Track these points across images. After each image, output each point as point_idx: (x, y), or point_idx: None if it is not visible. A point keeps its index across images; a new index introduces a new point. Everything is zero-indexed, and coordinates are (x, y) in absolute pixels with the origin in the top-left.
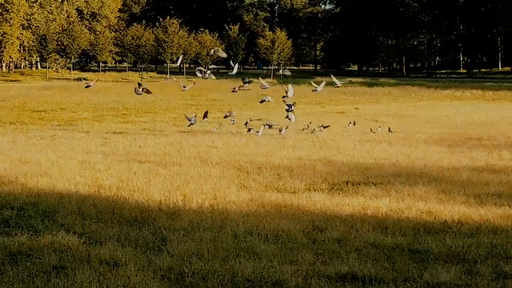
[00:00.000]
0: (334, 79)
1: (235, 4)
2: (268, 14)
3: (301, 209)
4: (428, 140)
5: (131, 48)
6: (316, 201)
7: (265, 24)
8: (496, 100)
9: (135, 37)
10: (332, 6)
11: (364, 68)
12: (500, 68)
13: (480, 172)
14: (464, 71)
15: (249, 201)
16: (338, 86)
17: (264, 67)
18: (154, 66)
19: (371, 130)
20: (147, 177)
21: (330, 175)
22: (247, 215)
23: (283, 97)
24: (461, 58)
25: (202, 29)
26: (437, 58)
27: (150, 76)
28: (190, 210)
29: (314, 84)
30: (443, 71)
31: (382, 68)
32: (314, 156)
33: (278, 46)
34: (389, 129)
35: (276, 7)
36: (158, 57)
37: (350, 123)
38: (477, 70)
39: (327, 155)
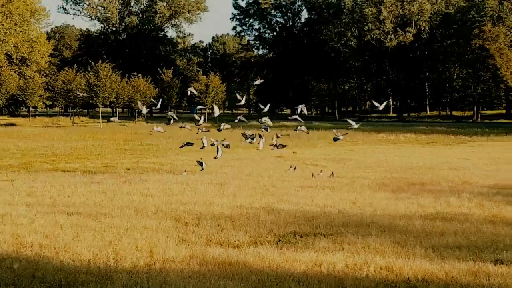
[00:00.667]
0: (349, 121)
1: (168, 48)
2: (201, 59)
3: (248, 266)
4: (372, 185)
5: (62, 93)
6: (264, 256)
7: (199, 69)
8: (430, 143)
9: (66, 81)
10: (265, 51)
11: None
12: (428, 112)
13: (432, 220)
14: (394, 115)
15: (189, 259)
16: (354, 128)
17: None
18: (86, 110)
19: (312, 175)
20: (75, 232)
21: (275, 225)
22: (189, 277)
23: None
24: (391, 103)
25: (135, 73)
26: (368, 102)
27: (82, 121)
28: (124, 271)
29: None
30: (374, 115)
31: (315, 112)
32: (256, 204)
33: (212, 90)
34: (332, 173)
35: (209, 52)
36: (90, 101)
37: (290, 167)
38: (406, 114)
39: (270, 203)
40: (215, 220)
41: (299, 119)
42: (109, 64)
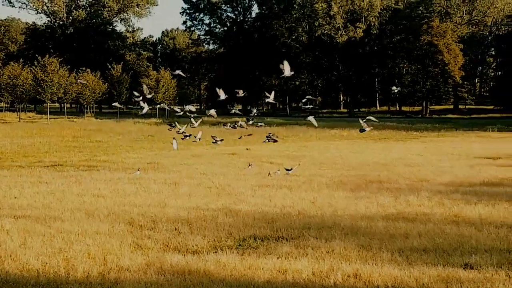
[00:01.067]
0: (361, 122)
1: (117, 43)
2: (151, 54)
3: (209, 275)
4: (330, 183)
5: (8, 88)
6: (225, 264)
7: (149, 64)
8: (382, 139)
9: (11, 76)
10: (216, 46)
11: (248, 108)
12: (378, 108)
13: (394, 221)
14: (345, 110)
15: (146, 267)
16: (365, 131)
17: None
18: (33, 106)
19: (269, 173)
20: (22, 237)
21: (234, 229)
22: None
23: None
24: (342, 98)
25: (84, 68)
26: (318, 98)
27: (29, 117)
28: (75, 282)
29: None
30: (325, 110)
31: (266, 108)
32: (213, 205)
33: (163, 86)
34: (291, 168)
35: (159, 47)
36: (37, 96)
37: (249, 165)
38: (357, 110)
39: (227, 203)
40: (171, 223)
41: (252, 116)
42: (57, 58)
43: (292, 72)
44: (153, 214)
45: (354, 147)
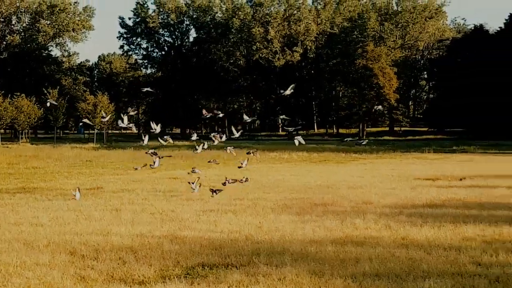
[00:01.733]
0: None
1: (52, 68)
2: (87, 78)
3: None
4: (275, 207)
5: None
6: None
7: (85, 88)
8: (323, 161)
9: None
10: (154, 70)
11: (187, 131)
12: (316, 130)
13: (344, 245)
14: (284, 133)
15: None
16: (364, 144)
17: (85, 132)
18: None
19: (212, 192)
20: None
21: (181, 257)
22: None
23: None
24: (280, 121)
25: (18, 93)
26: (257, 121)
27: None
28: None
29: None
30: (264, 133)
31: (205, 131)
32: (157, 232)
33: (100, 110)
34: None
35: (96, 71)
36: None
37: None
38: (295, 132)
39: (172, 230)
40: (115, 252)
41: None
42: None
43: (292, 90)
44: (96, 243)
45: (296, 170)
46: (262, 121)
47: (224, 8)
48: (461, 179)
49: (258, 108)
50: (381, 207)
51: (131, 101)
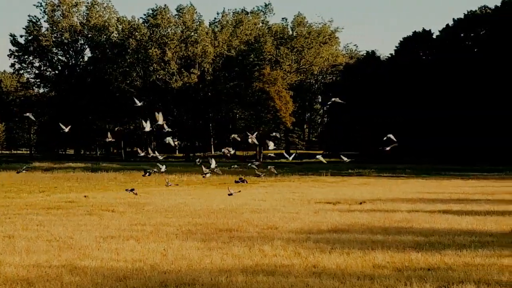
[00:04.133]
0: (321, 158)
1: None
2: None
3: None
4: (179, 233)
5: None
6: None
7: None
8: (222, 184)
9: None
10: (47, 89)
11: (81, 152)
12: (213, 152)
13: (254, 275)
14: (181, 154)
15: None
16: (345, 161)
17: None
18: None
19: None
20: None
21: None
22: None
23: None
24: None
25: None
26: (153, 142)
27: None
28: None
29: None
30: (160, 156)
31: (99, 152)
32: (55, 262)
33: None
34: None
35: None
36: None
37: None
38: (192, 154)
39: (71, 259)
40: (9, 284)
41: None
42: None
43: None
44: None
45: (197, 193)
46: (158, 142)
47: (120, 28)
48: (361, 203)
49: (154, 129)
50: (287, 232)
51: (21, 121)
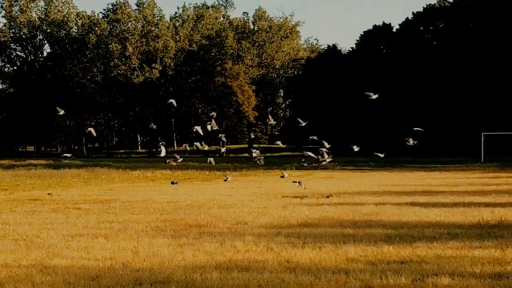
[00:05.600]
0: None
1: None
2: None
3: None
4: (148, 230)
5: None
6: None
7: None
8: (188, 179)
9: None
10: (6, 86)
11: (42, 149)
12: (176, 147)
13: (229, 271)
14: (144, 150)
15: None
16: (325, 162)
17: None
18: None
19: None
20: None
21: None
22: None
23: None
24: (139, 138)
25: None
26: (115, 138)
27: None
28: None
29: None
30: (122, 151)
31: (60, 148)
32: (24, 261)
33: None
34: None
35: None
36: None
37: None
38: (155, 150)
39: (39, 258)
40: None
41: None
42: None
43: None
44: None
45: (162, 189)
46: (120, 139)
47: (80, 23)
48: (327, 197)
49: (116, 125)
50: (257, 227)
51: None
